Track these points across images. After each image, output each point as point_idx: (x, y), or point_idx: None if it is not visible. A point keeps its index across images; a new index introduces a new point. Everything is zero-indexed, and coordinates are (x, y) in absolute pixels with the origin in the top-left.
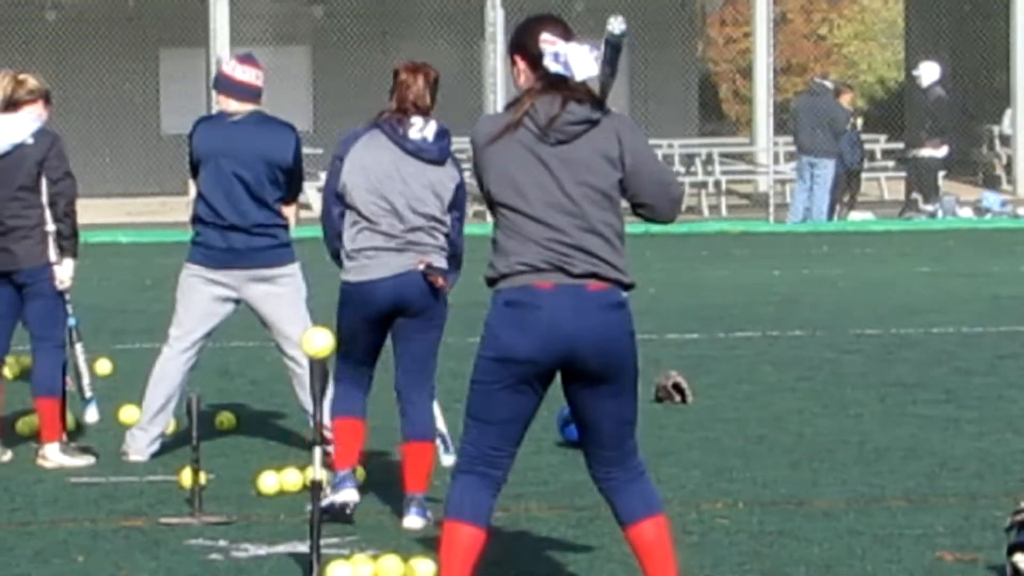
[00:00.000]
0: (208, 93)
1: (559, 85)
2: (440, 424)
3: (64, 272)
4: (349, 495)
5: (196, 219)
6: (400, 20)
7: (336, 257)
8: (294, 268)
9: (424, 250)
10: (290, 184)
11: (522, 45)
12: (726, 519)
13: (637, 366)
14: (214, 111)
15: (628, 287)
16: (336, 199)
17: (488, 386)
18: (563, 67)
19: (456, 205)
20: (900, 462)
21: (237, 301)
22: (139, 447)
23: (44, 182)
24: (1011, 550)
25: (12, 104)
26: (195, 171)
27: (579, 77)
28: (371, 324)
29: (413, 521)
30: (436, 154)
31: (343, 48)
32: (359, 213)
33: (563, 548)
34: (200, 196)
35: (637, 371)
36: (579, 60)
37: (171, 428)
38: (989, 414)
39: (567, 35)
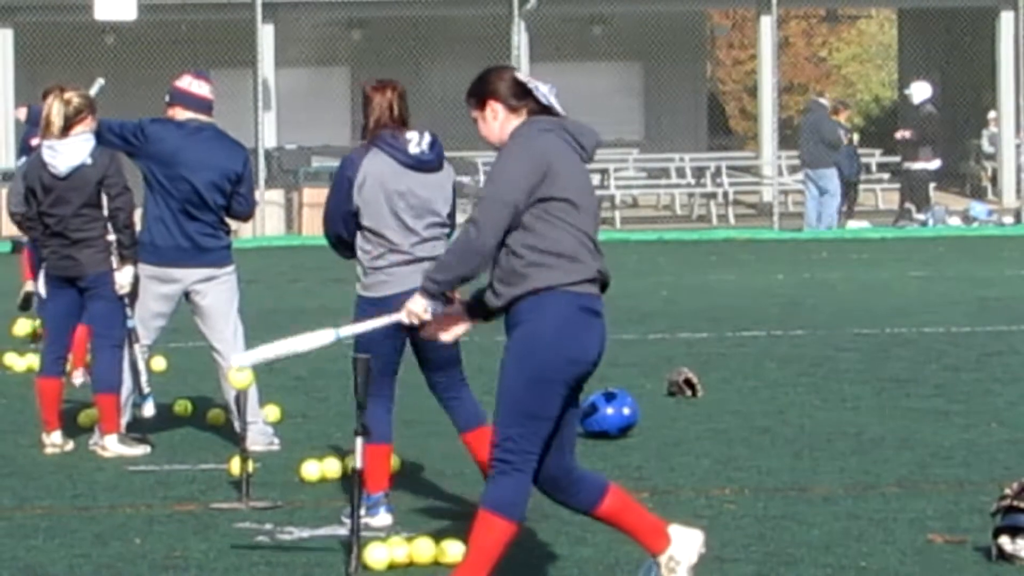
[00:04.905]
0: (256, 110)
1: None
2: None
3: (123, 278)
4: (383, 520)
5: (151, 219)
6: (432, 43)
7: (339, 245)
8: (231, 270)
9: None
10: (238, 195)
11: None
12: (733, 504)
13: None
14: (260, 129)
15: None
16: (346, 218)
17: (558, 385)
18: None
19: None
20: (894, 452)
21: (184, 296)
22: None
23: (104, 198)
24: (996, 533)
25: (67, 127)
26: (132, 153)
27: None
28: (391, 334)
29: None
30: (436, 163)
31: (380, 69)
32: (372, 231)
33: (584, 530)
34: (155, 196)
35: None
36: None
37: (220, 420)
38: (976, 407)
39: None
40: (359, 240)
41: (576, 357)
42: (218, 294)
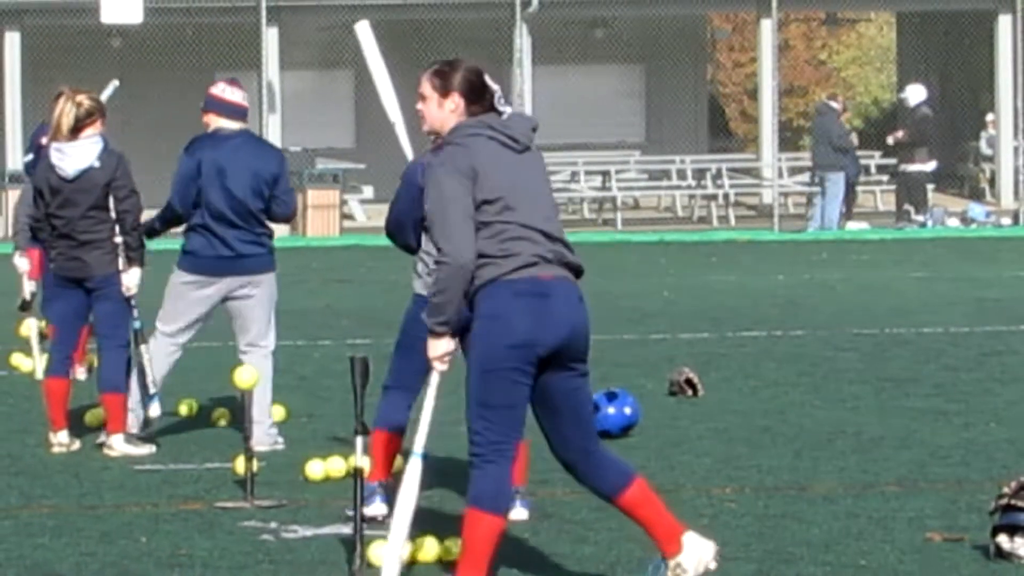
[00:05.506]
0: (261, 113)
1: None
2: None
3: (130, 279)
4: (377, 509)
5: (192, 228)
6: (435, 46)
7: (404, 248)
8: (272, 276)
9: None
10: (276, 197)
11: None
12: (734, 503)
13: None
14: (265, 131)
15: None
16: (416, 224)
17: (507, 372)
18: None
19: None
20: (893, 451)
21: (222, 301)
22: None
23: (112, 200)
24: (995, 531)
25: (76, 129)
26: (186, 186)
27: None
28: None
29: (519, 513)
30: None
31: None
32: None
33: (586, 528)
34: (199, 207)
35: None
36: None
37: (225, 419)
38: (975, 407)
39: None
40: (424, 242)
41: (516, 342)
42: (257, 299)
